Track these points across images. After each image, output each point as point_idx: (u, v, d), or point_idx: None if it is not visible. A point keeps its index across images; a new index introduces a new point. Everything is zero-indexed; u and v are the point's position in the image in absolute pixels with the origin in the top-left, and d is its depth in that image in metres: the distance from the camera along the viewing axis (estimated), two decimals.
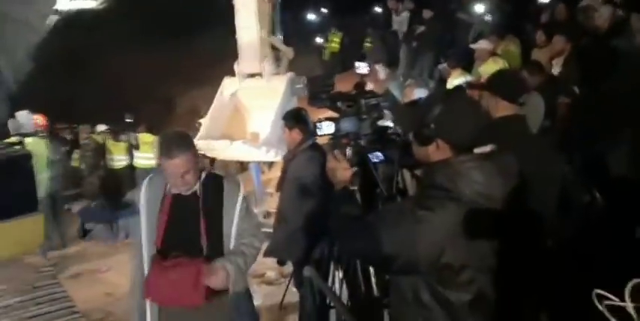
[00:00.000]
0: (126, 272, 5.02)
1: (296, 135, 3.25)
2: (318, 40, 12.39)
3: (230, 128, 5.33)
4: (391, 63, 9.53)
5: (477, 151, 1.38)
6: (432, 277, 1.32)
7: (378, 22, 11.48)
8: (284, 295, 3.66)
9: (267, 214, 5.53)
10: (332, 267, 2.26)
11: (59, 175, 6.17)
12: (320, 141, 3.00)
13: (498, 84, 2.26)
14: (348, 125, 1.88)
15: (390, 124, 2.18)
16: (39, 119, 6.29)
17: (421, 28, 8.22)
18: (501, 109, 2.17)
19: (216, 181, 2.14)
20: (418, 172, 1.91)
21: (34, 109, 7.17)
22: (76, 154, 8.69)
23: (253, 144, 4.76)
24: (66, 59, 12.13)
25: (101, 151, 8.59)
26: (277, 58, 5.39)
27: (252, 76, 5.23)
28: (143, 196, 2.07)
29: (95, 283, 4.81)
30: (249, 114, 5.45)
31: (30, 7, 12.31)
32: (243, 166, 8.55)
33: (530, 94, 2.92)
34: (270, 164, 6.59)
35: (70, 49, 12.23)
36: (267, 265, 4.65)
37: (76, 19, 13.70)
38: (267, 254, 3.19)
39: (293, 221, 3.09)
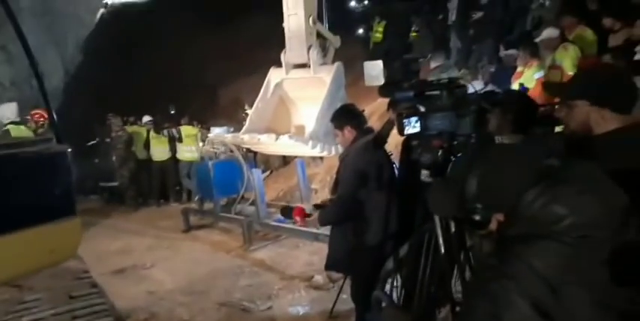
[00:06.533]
0: (169, 269, 4.97)
1: (348, 134, 2.82)
2: (361, 30, 11.86)
3: (275, 121, 5.10)
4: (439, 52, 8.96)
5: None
6: None
7: (424, 8, 10.84)
8: (334, 303, 3.40)
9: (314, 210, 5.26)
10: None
11: None
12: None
13: (601, 91, 1.51)
14: (441, 123, 1.48)
15: None
16: (39, 114, 6.08)
17: (479, 14, 7.68)
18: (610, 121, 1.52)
19: None
20: None
21: (85, 101, 7.12)
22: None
23: (299, 138, 4.50)
24: (115, 52, 12.31)
25: (131, 143, 8.64)
26: (324, 48, 5.11)
27: (299, 66, 4.96)
28: None
29: (139, 280, 4.72)
30: (295, 106, 5.21)
31: (79, 1, 12.56)
32: (285, 160, 8.36)
33: None
34: (315, 158, 6.34)
35: (118, 42, 12.40)
36: (315, 268, 4.40)
37: (123, 12, 13.92)
38: (327, 268, 2.90)
39: (353, 229, 2.71)
